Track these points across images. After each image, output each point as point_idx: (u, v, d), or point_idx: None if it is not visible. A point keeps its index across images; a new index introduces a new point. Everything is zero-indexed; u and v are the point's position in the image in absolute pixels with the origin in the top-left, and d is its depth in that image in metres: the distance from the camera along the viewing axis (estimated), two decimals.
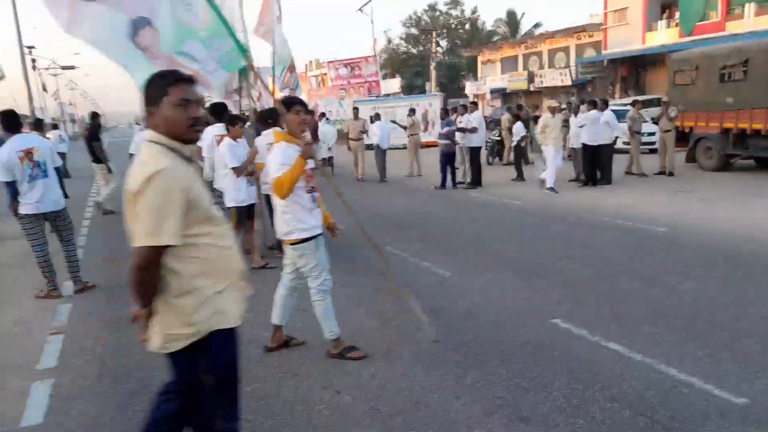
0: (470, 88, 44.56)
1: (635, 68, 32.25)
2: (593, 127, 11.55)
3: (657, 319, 4.60)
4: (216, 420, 2.27)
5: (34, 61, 44.17)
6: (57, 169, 5.87)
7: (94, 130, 10.83)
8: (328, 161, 16.88)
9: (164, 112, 2.12)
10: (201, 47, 4.19)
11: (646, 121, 16.31)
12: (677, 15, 28.47)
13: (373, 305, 5.28)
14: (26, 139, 5.80)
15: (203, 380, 2.21)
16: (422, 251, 7.05)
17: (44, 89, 50.26)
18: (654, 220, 8.31)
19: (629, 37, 31.03)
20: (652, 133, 17.90)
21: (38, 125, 10.85)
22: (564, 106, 18.05)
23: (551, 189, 11.23)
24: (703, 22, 26.66)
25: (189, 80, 2.18)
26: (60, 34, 4.28)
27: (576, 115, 12.53)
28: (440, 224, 9.01)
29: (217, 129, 6.64)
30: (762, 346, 4.01)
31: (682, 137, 13.93)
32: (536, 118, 15.61)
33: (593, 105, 12.15)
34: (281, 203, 3.91)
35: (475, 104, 14.02)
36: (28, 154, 5.59)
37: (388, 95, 35.59)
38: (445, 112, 13.15)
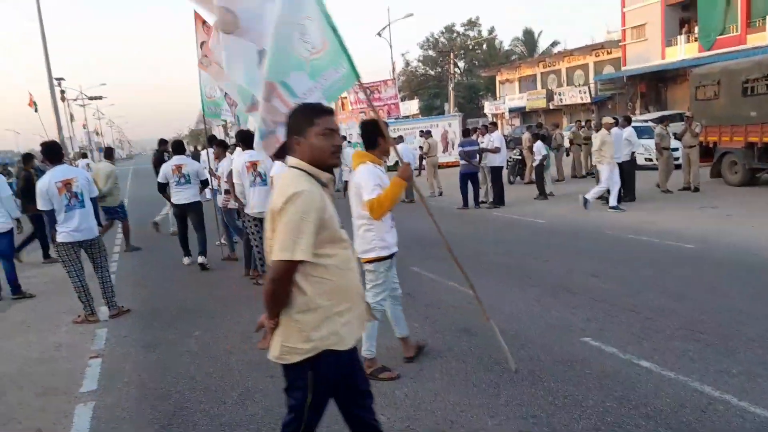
0: (489, 107, 44.75)
1: (655, 84, 32.16)
2: (616, 144, 11.53)
3: (689, 336, 4.58)
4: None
5: (63, 92, 45.46)
6: (92, 199, 6.08)
7: (160, 155, 11.12)
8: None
9: (311, 140, 2.30)
10: (306, 79, 4.26)
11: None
12: (696, 29, 28.40)
13: (411, 329, 5.32)
14: (66, 170, 6.03)
15: (309, 396, 2.32)
16: (448, 271, 7.07)
17: (72, 119, 51.62)
18: (681, 236, 8.25)
19: (648, 53, 31.00)
20: (675, 149, 17.86)
21: (108, 154, 11.23)
22: (583, 123, 18.08)
23: (615, 207, 10.92)
24: (723, 36, 26.55)
25: (331, 112, 2.39)
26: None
27: (598, 132, 12.53)
28: (465, 244, 9.04)
29: (247, 155, 6.84)
30: None
31: (706, 152, 13.83)
32: (546, 138, 15.63)
33: (614, 122, 12.14)
34: (365, 221, 4.04)
35: (494, 124, 14.10)
36: (67, 184, 5.82)
37: (407, 117, 35.88)
38: (465, 132, 13.24)
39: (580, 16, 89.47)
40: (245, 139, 7.63)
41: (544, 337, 4.78)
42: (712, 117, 13.81)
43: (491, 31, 56.08)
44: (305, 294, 2.26)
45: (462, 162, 12.39)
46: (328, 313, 2.29)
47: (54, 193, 5.77)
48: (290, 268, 2.18)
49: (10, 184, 9.01)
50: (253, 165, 6.85)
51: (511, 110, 42.07)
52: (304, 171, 2.31)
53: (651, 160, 18.41)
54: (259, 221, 6.94)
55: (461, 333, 4.99)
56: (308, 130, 2.31)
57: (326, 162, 2.34)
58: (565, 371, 4.11)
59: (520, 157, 17.12)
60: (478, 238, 9.55)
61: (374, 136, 4.07)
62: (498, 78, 46.56)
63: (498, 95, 46.14)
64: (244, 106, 5.39)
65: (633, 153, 12.44)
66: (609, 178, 11.00)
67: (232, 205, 8.10)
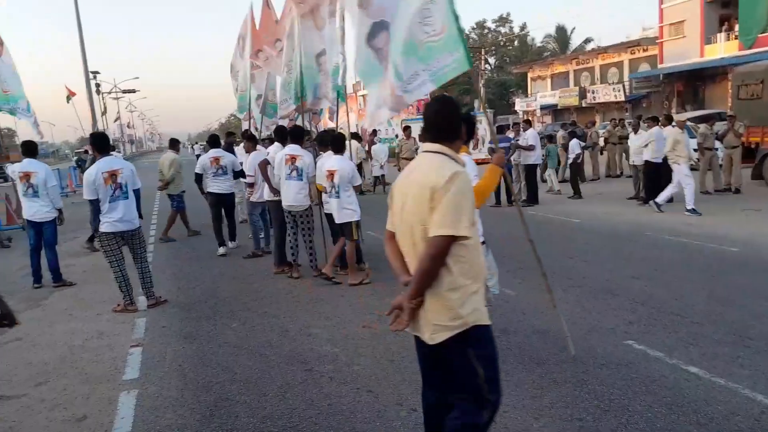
0: (520, 104, 44.24)
1: (693, 82, 31.40)
2: (657, 143, 11.28)
3: (738, 342, 4.44)
4: (484, 408, 2.42)
5: (98, 85, 46.39)
6: (136, 190, 6.16)
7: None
8: (381, 179, 17.05)
9: (461, 137, 2.58)
10: (416, 62, 4.40)
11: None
12: (737, 27, 27.62)
13: None
14: (112, 161, 6.12)
15: (476, 369, 2.36)
16: None
17: (104, 112, 52.69)
18: (724, 239, 8.03)
19: (686, 51, 30.28)
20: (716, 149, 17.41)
21: (173, 145, 11.58)
22: (617, 122, 17.73)
23: (693, 210, 10.22)
24: (765, 35, 25.76)
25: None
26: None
27: (636, 132, 12.30)
28: (500, 242, 8.92)
29: (288, 149, 7.10)
30: None
31: (748, 153, 13.45)
32: (581, 136, 15.34)
33: (655, 121, 11.86)
34: None
35: (528, 122, 13.92)
36: (113, 175, 5.92)
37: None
38: (499, 129, 13.10)
39: (614, 12, 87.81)
40: (282, 135, 7.73)
41: (586, 340, 4.68)
42: (754, 117, 13.42)
43: (523, 27, 55.43)
44: (451, 273, 2.31)
45: None
46: (468, 292, 2.34)
47: (100, 184, 5.87)
48: (449, 244, 2.25)
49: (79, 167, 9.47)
50: (292, 158, 6.92)
51: (542, 107, 41.53)
52: (449, 156, 2.43)
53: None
54: (289, 214, 7.05)
55: (500, 333, 4.91)
56: (461, 130, 2.57)
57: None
58: (610, 374, 4.02)
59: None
60: (513, 236, 9.39)
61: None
62: (529, 75, 45.98)
63: (529, 92, 45.58)
64: (309, 97, 5.75)
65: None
66: (687, 176, 10.39)
67: (254, 197, 8.32)
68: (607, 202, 12.45)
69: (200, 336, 5.33)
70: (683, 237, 8.35)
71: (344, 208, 6.59)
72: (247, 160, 8.52)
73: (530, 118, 19.30)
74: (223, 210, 9.24)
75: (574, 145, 13.51)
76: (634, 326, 4.92)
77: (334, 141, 6.86)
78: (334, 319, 5.53)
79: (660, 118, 12.06)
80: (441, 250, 2.25)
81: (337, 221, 6.68)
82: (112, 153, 6.69)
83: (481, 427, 2.43)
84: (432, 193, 2.27)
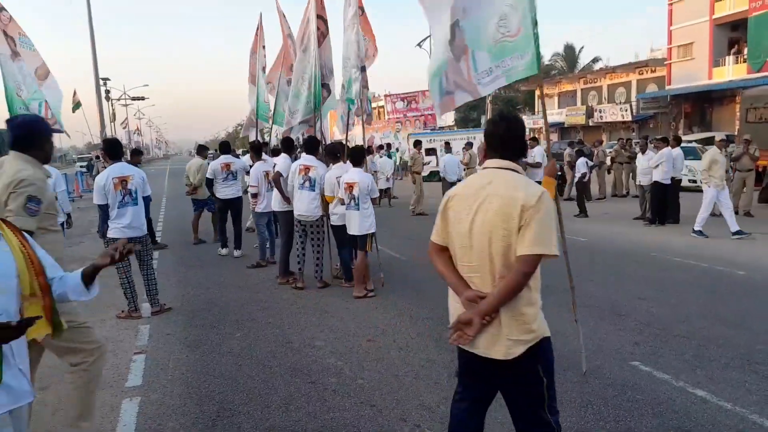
0: (527, 122, 44.30)
1: (701, 104, 31.46)
2: (667, 164, 11.27)
3: (745, 366, 4.41)
4: (548, 414, 2.48)
5: (108, 92, 46.76)
6: (146, 197, 6.18)
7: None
8: (386, 192, 17.07)
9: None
10: (488, 59, 4.64)
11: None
12: (746, 50, 27.69)
13: (443, 338, 5.26)
14: (123, 167, 6.15)
15: (542, 379, 2.44)
16: None
17: (113, 118, 53.02)
18: (731, 262, 7.99)
19: (695, 73, 30.35)
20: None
21: (200, 151, 11.74)
22: (625, 142, 17.73)
23: (699, 233, 10.06)
24: None
25: None
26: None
27: (644, 152, 12.31)
28: None
29: (303, 159, 7.22)
30: None
31: (756, 177, 13.42)
32: (588, 155, 15.35)
33: (665, 142, 11.86)
34: None
35: (535, 140, 13.94)
36: (123, 181, 5.95)
37: (442, 128, 35.82)
38: None
39: (623, 33, 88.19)
40: (288, 146, 7.79)
41: (592, 360, 4.65)
42: (762, 140, 13.41)
43: None
44: (530, 289, 2.40)
45: None
46: (539, 306, 2.47)
47: (110, 189, 5.91)
48: (538, 262, 2.33)
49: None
50: (306, 169, 7.00)
51: (551, 125, 41.62)
52: (521, 174, 2.50)
53: (695, 181, 18.01)
54: (299, 223, 7.07)
55: None
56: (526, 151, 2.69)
57: None
58: (616, 396, 3.99)
59: (560, 173, 16.87)
60: None
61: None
62: (537, 92, 46.14)
63: (536, 110, 45.71)
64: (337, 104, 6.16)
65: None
66: (714, 199, 10.08)
67: (259, 208, 8.42)
68: (614, 221, 12.42)
69: (204, 345, 5.32)
70: (691, 259, 8.32)
71: (363, 220, 6.62)
72: (252, 170, 8.65)
73: (537, 136, 19.27)
74: (230, 214, 9.49)
75: (581, 164, 13.52)
76: (640, 347, 4.89)
77: (354, 153, 6.89)
78: (338, 332, 5.51)
79: (669, 139, 12.08)
80: (534, 267, 2.33)
81: (356, 233, 6.69)
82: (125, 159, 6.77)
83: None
84: (522, 211, 2.30)
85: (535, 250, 2.28)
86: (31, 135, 3.37)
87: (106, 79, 45.16)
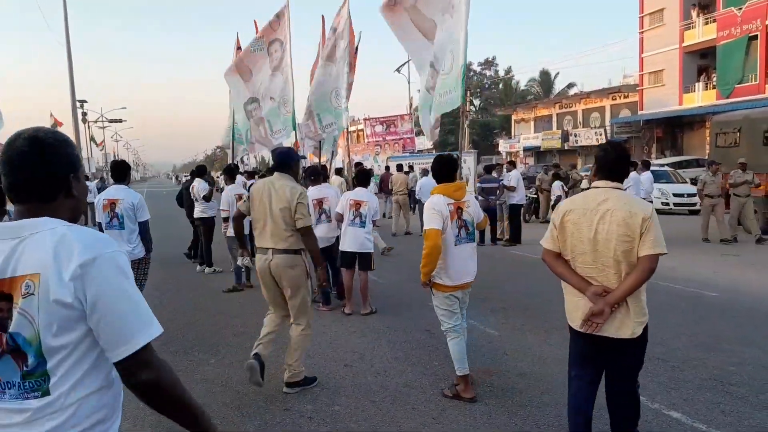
0: (503, 146, 44.93)
1: (672, 129, 32.20)
2: (635, 188, 11.47)
3: (719, 388, 4.45)
4: (637, 388, 3.29)
5: (84, 114, 46.34)
6: (142, 223, 6.02)
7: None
8: None
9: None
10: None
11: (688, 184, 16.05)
12: (715, 77, 28.54)
13: (421, 363, 5.23)
14: (117, 190, 6.10)
15: (644, 351, 3.25)
16: (468, 309, 6.98)
17: (93, 141, 52.45)
18: (704, 284, 8.11)
19: (666, 98, 31.14)
20: (693, 194, 17.84)
21: (200, 173, 10.97)
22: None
23: None
24: (742, 85, 26.62)
25: None
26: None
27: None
28: (483, 281, 8.92)
29: (316, 191, 7.20)
30: None
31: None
32: (564, 178, 15.56)
33: (633, 166, 12.09)
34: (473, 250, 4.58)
35: (512, 163, 14.13)
36: (111, 204, 5.94)
37: (421, 151, 36.09)
38: (487, 169, 13.26)
39: (596, 59, 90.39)
40: (315, 174, 7.50)
41: (566, 380, 4.64)
42: (731, 164, 13.72)
43: (508, 71, 56.71)
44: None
45: (480, 198, 12.36)
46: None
47: (99, 209, 5.94)
48: (658, 259, 2.97)
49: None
50: (320, 202, 7.04)
51: (525, 149, 42.22)
52: (629, 194, 3.24)
53: (667, 204, 18.38)
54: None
55: (483, 375, 4.88)
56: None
57: None
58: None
59: (535, 196, 17.09)
60: (494, 276, 9.45)
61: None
62: (513, 117, 46.88)
63: (513, 134, 46.38)
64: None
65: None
66: None
67: (231, 232, 8.32)
68: None
69: (177, 371, 5.16)
70: (665, 281, 8.38)
71: (367, 239, 6.80)
72: (223, 194, 8.65)
73: (514, 159, 19.51)
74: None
75: (556, 187, 13.69)
76: None
77: (361, 176, 7.15)
78: (315, 357, 5.44)
79: (638, 163, 12.31)
80: (656, 263, 2.97)
81: (358, 250, 6.78)
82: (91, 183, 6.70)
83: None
84: (642, 221, 2.95)
85: (657, 250, 2.95)
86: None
87: (83, 101, 44.78)
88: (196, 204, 10.04)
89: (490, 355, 5.38)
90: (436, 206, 4.23)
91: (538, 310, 6.99)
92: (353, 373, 5.00)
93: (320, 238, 6.86)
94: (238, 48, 9.97)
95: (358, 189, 6.94)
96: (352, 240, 6.75)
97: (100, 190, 25.45)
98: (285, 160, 4.63)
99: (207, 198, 9.81)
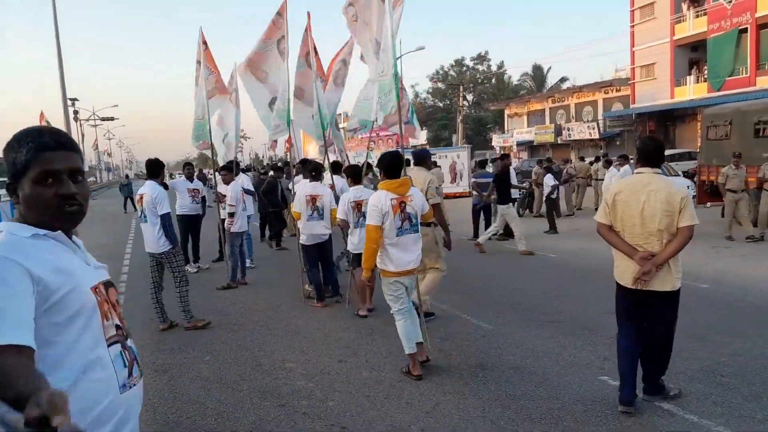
0: (497, 140, 45.01)
1: (664, 122, 32.35)
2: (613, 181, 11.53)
3: (710, 379, 4.49)
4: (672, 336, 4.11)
5: (76, 112, 46.04)
6: (163, 215, 6.15)
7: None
8: None
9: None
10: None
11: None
12: (705, 70, 28.67)
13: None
14: (144, 186, 6.43)
15: (676, 315, 4.08)
16: (462, 304, 7.03)
17: (83, 139, 52.14)
18: (695, 276, 8.15)
19: (657, 92, 31.28)
20: (687, 187, 17.88)
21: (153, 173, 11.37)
22: (592, 160, 18.13)
23: None
24: (733, 78, 26.77)
25: None
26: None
27: (608, 169, 12.59)
28: (477, 276, 8.99)
29: (310, 188, 7.19)
30: None
31: (716, 192, 13.77)
32: (557, 172, 15.61)
33: (625, 159, 12.17)
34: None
35: (506, 157, 14.14)
36: (140, 198, 6.33)
37: (415, 147, 36.11)
38: (480, 164, 13.28)
39: (589, 53, 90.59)
40: (316, 170, 7.43)
41: (562, 375, 4.69)
42: (723, 157, 13.81)
43: (501, 65, 56.73)
44: None
45: (474, 193, 12.40)
46: None
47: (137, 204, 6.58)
48: (693, 229, 3.77)
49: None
50: (313, 199, 6.98)
51: (519, 144, 42.32)
52: (666, 177, 3.99)
53: None
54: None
55: (477, 368, 4.91)
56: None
57: None
58: (585, 411, 4.03)
59: (529, 189, 17.12)
60: (490, 271, 9.49)
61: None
62: (506, 111, 46.96)
63: (506, 128, 46.46)
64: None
65: None
66: None
67: (235, 228, 8.34)
68: (584, 237, 12.60)
69: (172, 369, 5.21)
70: None
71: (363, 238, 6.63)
72: (228, 189, 8.59)
73: (509, 153, 19.53)
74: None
75: (548, 179, 13.73)
76: (609, 362, 4.93)
77: (353, 171, 6.81)
78: (309, 353, 5.47)
79: (631, 157, 12.39)
80: (692, 232, 3.76)
81: (358, 251, 6.70)
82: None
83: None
84: (681, 200, 3.75)
85: (693, 222, 3.76)
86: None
87: (74, 100, 44.52)
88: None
89: (483, 348, 5.41)
90: (377, 203, 4.64)
91: (534, 306, 7.03)
92: (347, 368, 5.03)
93: (312, 234, 6.88)
94: (204, 43, 9.67)
95: (354, 188, 6.68)
96: (360, 240, 6.68)
97: (125, 186, 25.67)
98: (422, 156, 6.64)
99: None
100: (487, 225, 12.69)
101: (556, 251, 10.86)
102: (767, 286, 7.42)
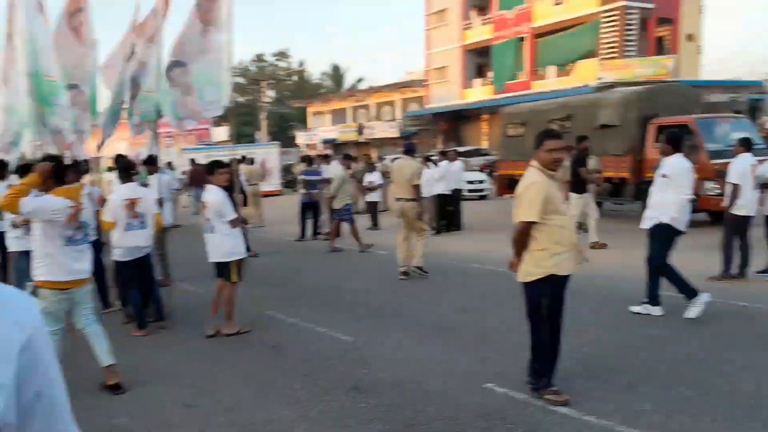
0: (301, 138, 44.73)
1: (455, 122, 34.91)
2: (447, 177, 11.84)
3: (588, 372, 4.43)
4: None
5: None
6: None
7: (581, 155, 9.52)
8: None
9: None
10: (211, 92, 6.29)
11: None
12: (491, 74, 31.53)
13: (279, 388, 4.45)
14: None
15: None
16: (313, 315, 6.32)
17: None
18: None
19: (450, 93, 33.59)
20: (481, 181, 19.34)
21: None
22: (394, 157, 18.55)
23: None
24: (513, 81, 29.76)
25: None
26: None
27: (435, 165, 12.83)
28: (316, 280, 8.35)
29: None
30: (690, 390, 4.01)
31: (514, 185, 14.90)
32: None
33: (445, 156, 12.49)
34: None
35: (327, 156, 13.72)
36: None
37: (218, 143, 34.15)
38: (307, 160, 12.66)
39: (385, 55, 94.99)
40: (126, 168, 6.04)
41: (447, 388, 4.28)
42: (520, 153, 14.96)
43: (301, 63, 56.56)
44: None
45: (303, 191, 11.74)
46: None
47: None
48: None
49: None
50: (132, 203, 5.59)
51: (324, 141, 42.51)
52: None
53: (479, 191, 19.50)
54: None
55: (352, 392, 4.27)
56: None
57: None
58: (488, 428, 3.64)
59: None
60: (326, 273, 8.91)
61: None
62: (309, 109, 46.93)
63: (310, 126, 46.44)
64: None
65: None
66: None
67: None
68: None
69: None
70: (489, 264, 8.50)
71: (221, 244, 5.51)
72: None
73: (327, 153, 19.06)
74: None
75: (373, 177, 13.61)
76: (487, 365, 4.67)
77: (125, 166, 5.80)
78: (145, 399, 4.33)
79: (449, 153, 12.77)
80: (521, 227, 3.91)
81: (211, 259, 5.59)
82: None
83: None
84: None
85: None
86: None
87: None
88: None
89: (352, 366, 4.78)
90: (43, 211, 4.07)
91: (387, 309, 6.61)
92: (198, 414, 4.03)
93: (131, 248, 5.61)
94: None
95: (126, 186, 5.74)
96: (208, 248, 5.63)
97: None
98: (410, 149, 8.50)
99: None
100: (315, 223, 12.11)
101: (387, 248, 10.60)
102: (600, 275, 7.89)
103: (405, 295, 7.16)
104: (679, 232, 5.62)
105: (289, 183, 24.72)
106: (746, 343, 4.95)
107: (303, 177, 11.94)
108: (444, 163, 12.23)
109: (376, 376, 4.56)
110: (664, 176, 5.67)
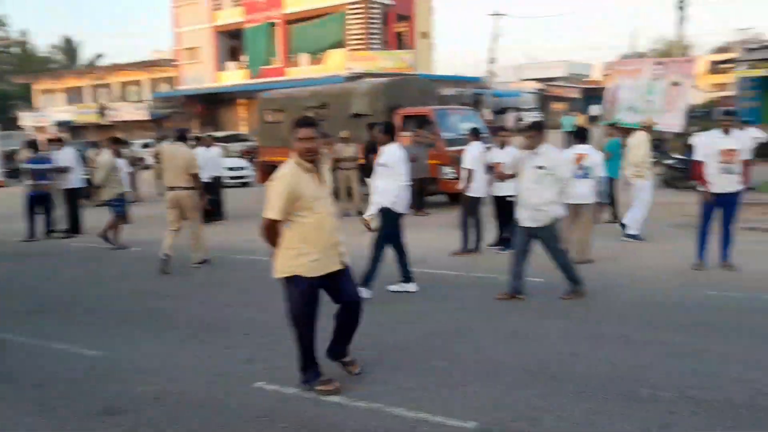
0: (27, 119, 38.57)
1: (210, 105, 33.55)
2: (209, 163, 11.27)
3: (359, 357, 4.52)
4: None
5: None
6: None
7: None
8: None
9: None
10: None
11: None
12: (243, 58, 30.89)
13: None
14: None
15: None
16: (46, 329, 5.41)
17: None
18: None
19: (203, 76, 32.10)
20: (242, 168, 18.98)
21: None
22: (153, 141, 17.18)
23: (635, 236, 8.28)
24: (268, 67, 29.60)
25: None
26: None
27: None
28: (52, 287, 7.22)
29: None
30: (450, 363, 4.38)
31: (272, 171, 14.84)
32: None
33: (199, 141, 11.85)
34: None
35: (60, 140, 11.92)
36: None
37: None
38: (33, 147, 10.82)
39: (130, 31, 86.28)
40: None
41: (211, 391, 4.01)
42: (280, 139, 14.93)
43: (24, 33, 48.48)
44: None
45: (29, 183, 10.02)
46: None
47: None
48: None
49: None
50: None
51: (59, 124, 37.22)
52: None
53: (240, 177, 18.82)
54: None
55: (102, 415, 3.74)
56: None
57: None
58: (260, 430, 3.50)
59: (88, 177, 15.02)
60: (63, 278, 7.77)
61: None
62: (36, 87, 40.65)
63: (37, 106, 40.27)
64: None
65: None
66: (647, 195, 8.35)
67: None
68: (159, 225, 11.70)
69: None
70: (254, 255, 8.24)
71: None
72: None
73: (62, 137, 16.57)
74: None
75: (123, 164, 12.27)
76: (255, 364, 4.48)
77: None
78: None
79: (204, 139, 12.14)
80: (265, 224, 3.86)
81: None
82: None
83: None
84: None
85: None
86: None
87: None
88: None
89: (104, 384, 4.19)
90: None
91: (133, 313, 5.98)
92: None
93: None
94: None
95: None
96: None
97: None
98: (183, 135, 8.12)
99: None
100: (48, 220, 10.47)
101: (137, 243, 9.72)
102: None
103: (163, 296, 6.58)
104: (401, 215, 6.10)
105: (13, 172, 21.10)
106: (485, 312, 5.60)
107: (29, 166, 10.21)
108: (200, 150, 11.56)
109: (135, 390, 4.07)
110: (383, 165, 6.01)
